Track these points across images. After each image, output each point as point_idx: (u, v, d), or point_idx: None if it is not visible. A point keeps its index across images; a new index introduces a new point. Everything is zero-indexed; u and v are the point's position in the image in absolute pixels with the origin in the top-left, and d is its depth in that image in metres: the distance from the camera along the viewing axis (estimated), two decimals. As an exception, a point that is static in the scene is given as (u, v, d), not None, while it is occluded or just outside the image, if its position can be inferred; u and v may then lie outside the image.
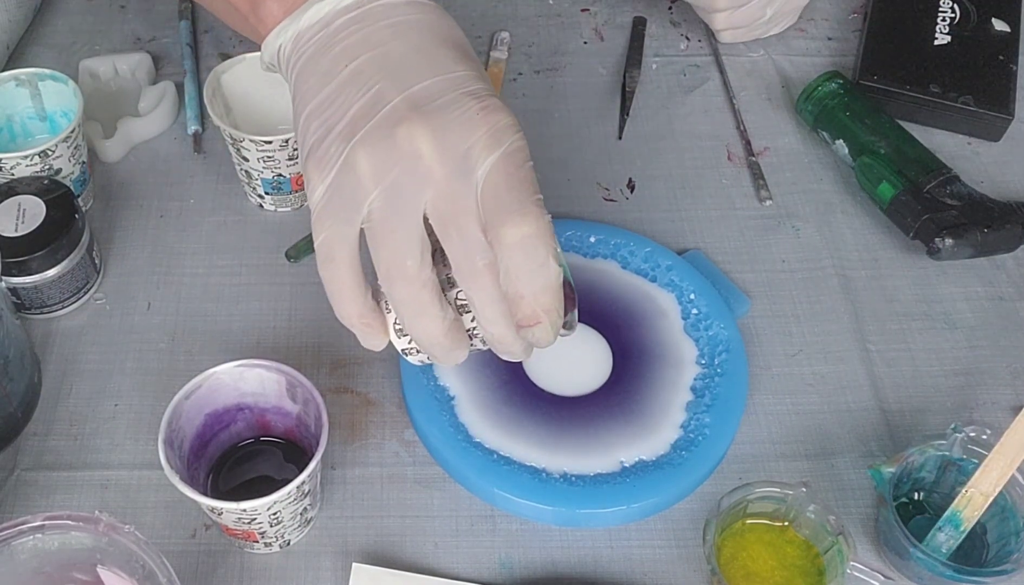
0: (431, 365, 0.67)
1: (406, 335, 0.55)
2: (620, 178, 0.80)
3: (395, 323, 0.55)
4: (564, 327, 0.54)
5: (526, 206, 0.50)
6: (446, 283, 0.53)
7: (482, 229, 0.50)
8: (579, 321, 0.69)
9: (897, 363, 0.71)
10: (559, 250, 0.52)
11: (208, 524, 0.62)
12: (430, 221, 0.51)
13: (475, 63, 0.54)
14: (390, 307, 0.55)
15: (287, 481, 0.56)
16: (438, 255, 0.52)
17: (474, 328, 0.54)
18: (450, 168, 0.50)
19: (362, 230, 0.52)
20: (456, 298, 0.53)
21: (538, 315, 0.51)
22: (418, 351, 0.56)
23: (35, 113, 0.77)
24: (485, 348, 0.55)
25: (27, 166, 0.71)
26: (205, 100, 0.73)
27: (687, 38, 0.91)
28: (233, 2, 0.60)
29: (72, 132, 0.72)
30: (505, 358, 0.55)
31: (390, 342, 0.56)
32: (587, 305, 0.70)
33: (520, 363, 0.67)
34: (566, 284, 0.55)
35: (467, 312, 0.54)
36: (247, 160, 0.73)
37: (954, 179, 0.76)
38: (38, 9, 0.90)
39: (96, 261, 0.72)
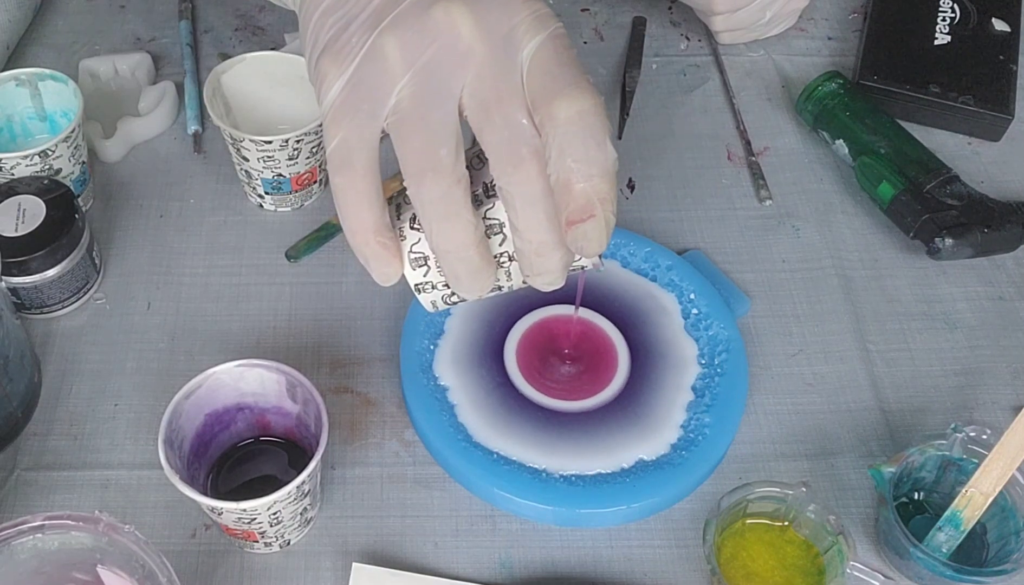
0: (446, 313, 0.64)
1: (423, 265, 0.50)
2: (620, 178, 0.80)
3: (411, 251, 0.50)
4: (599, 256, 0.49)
5: (581, 82, 0.45)
6: (477, 199, 0.48)
7: (528, 114, 0.45)
8: (593, 322, 0.69)
9: (897, 363, 0.71)
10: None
11: (208, 524, 0.62)
12: (466, 111, 0.46)
13: None
14: (404, 234, 0.50)
15: (287, 481, 0.56)
16: (469, 167, 0.48)
17: (502, 254, 0.49)
18: (492, 47, 0.46)
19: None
20: (486, 216, 0.49)
21: (592, 205, 0.45)
22: (433, 286, 0.51)
23: (35, 113, 0.77)
24: (510, 284, 0.51)
25: (27, 166, 0.71)
26: (205, 100, 0.73)
27: (687, 38, 0.91)
28: None
29: (72, 132, 0.72)
30: (537, 284, 0.49)
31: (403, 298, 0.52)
32: (593, 304, 0.70)
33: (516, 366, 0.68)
34: None
35: (495, 234, 0.49)
36: (247, 160, 0.73)
37: (954, 179, 0.76)
38: (38, 9, 0.90)
39: (96, 261, 0.72)
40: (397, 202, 0.52)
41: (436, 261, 0.50)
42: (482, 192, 0.49)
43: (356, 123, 0.47)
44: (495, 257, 0.49)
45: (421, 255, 0.51)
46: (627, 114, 0.84)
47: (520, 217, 0.47)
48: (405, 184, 0.48)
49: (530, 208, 0.46)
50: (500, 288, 0.51)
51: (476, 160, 0.50)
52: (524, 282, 0.51)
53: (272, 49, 0.83)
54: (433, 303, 0.53)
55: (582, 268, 0.51)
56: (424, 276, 0.51)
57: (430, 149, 0.46)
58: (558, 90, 0.45)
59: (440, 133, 0.46)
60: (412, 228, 0.51)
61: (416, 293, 0.52)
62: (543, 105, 0.45)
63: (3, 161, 0.71)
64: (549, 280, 0.49)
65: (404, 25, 0.46)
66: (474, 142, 0.48)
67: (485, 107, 0.46)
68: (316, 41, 0.49)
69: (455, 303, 0.53)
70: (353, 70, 0.47)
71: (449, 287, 0.51)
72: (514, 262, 0.50)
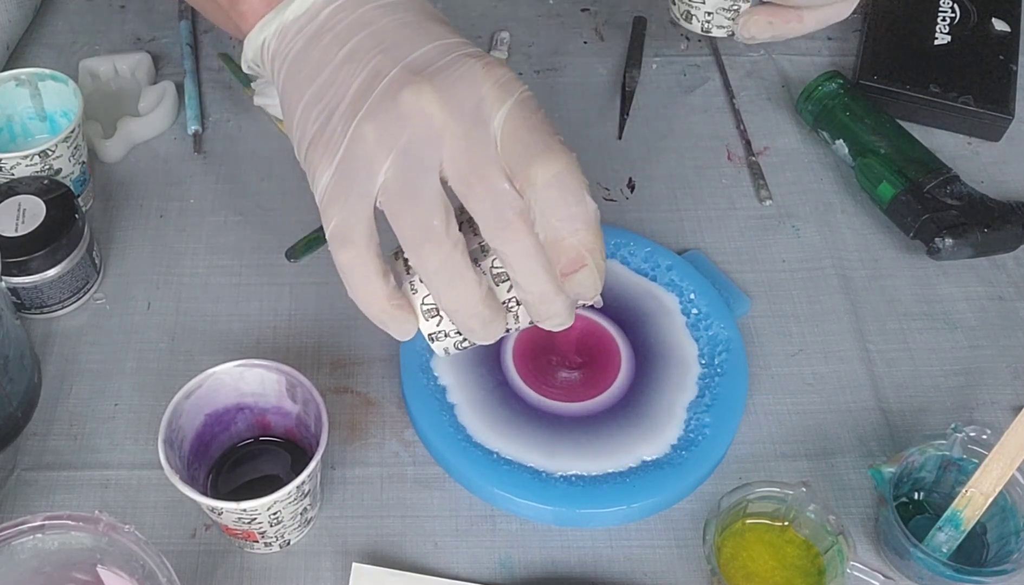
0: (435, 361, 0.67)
1: (435, 316, 0.53)
2: (620, 178, 0.80)
3: (423, 303, 0.53)
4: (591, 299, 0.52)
5: (552, 145, 0.48)
6: (478, 252, 0.51)
7: (507, 179, 0.48)
8: (594, 323, 0.70)
9: (897, 363, 0.71)
10: None
11: (208, 524, 0.62)
12: (450, 182, 0.49)
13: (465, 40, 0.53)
14: (415, 287, 0.53)
15: (287, 481, 0.56)
16: (464, 226, 0.51)
17: (510, 299, 0.52)
18: (463, 121, 0.49)
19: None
20: (491, 267, 0.51)
21: (582, 256, 0.48)
22: (446, 335, 0.54)
23: (35, 113, 0.77)
24: (518, 326, 0.53)
25: (27, 166, 0.71)
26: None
27: (687, 38, 0.91)
28: None
29: (72, 132, 0.72)
30: (547, 327, 0.52)
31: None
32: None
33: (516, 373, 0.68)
34: None
35: (503, 281, 0.51)
36: None
37: (954, 179, 0.76)
38: (38, 9, 0.90)
39: (96, 261, 0.72)
40: (404, 256, 0.54)
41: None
42: (487, 243, 0.51)
43: (350, 203, 0.50)
44: (503, 303, 0.52)
45: (433, 306, 0.53)
46: (627, 114, 0.84)
47: (518, 273, 0.49)
48: (407, 256, 0.50)
49: (526, 264, 0.49)
50: (508, 330, 0.53)
51: (469, 221, 0.52)
52: (531, 323, 0.53)
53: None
54: (446, 350, 0.55)
55: (582, 305, 0.53)
56: (437, 326, 0.53)
57: (422, 221, 0.49)
58: (533, 156, 0.48)
59: (429, 206, 0.49)
60: (422, 281, 0.53)
61: (429, 342, 0.55)
62: (520, 172, 0.48)
63: (3, 161, 0.71)
64: (557, 323, 0.52)
65: (379, 112, 0.49)
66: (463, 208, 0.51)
67: (466, 180, 0.49)
68: (304, 133, 0.52)
69: (466, 348, 0.55)
70: (340, 157, 0.50)
71: (461, 334, 0.54)
72: (521, 306, 0.52)
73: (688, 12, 0.66)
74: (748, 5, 0.65)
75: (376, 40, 0.52)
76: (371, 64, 0.51)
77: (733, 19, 0.65)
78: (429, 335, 0.54)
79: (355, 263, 0.51)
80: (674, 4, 0.67)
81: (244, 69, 0.59)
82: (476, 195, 0.49)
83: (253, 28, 0.56)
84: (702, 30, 0.67)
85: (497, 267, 0.51)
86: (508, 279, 0.52)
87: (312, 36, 0.53)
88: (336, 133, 0.50)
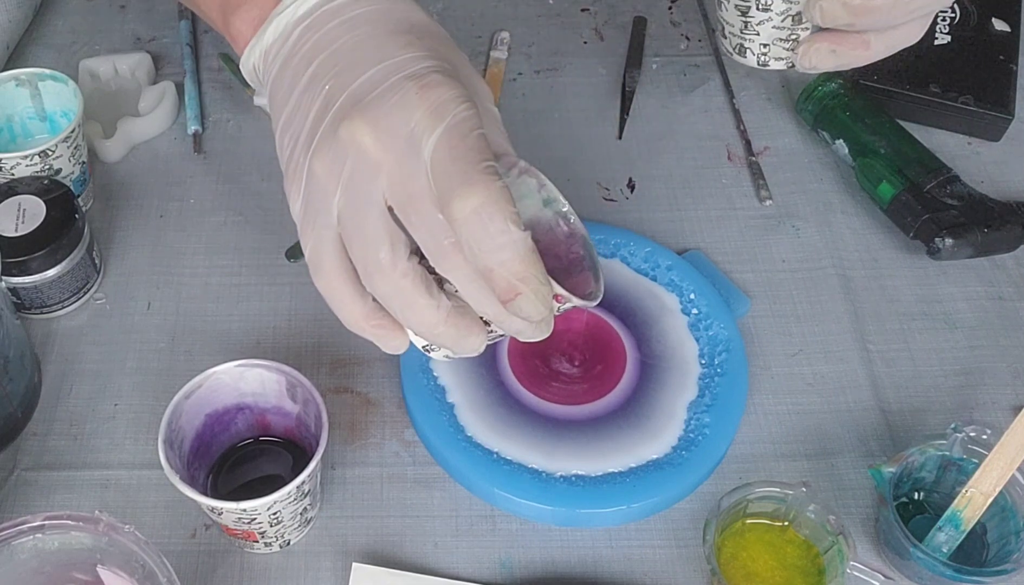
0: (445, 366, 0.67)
1: None
2: (620, 178, 0.80)
3: None
4: (588, 298, 0.51)
5: (471, 176, 0.47)
6: None
7: (439, 208, 0.48)
8: (597, 322, 0.69)
9: (897, 363, 0.71)
10: (559, 203, 0.51)
11: (208, 524, 0.62)
12: (394, 211, 0.50)
13: (430, 41, 0.52)
14: None
15: (287, 481, 0.56)
16: None
17: None
18: (396, 153, 0.49)
19: None
20: None
21: (514, 286, 0.48)
22: (440, 346, 0.54)
23: (35, 113, 0.77)
24: (503, 334, 0.53)
25: (27, 166, 0.71)
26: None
27: (687, 38, 0.91)
28: (212, 20, 0.59)
29: (72, 132, 0.72)
30: (523, 340, 0.52)
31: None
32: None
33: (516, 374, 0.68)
34: (587, 255, 0.53)
35: None
36: None
37: (954, 179, 0.76)
38: (38, 9, 0.90)
39: (96, 261, 0.72)
40: None
41: None
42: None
43: (316, 234, 0.51)
44: (483, 316, 0.51)
45: None
46: (627, 114, 0.84)
47: (467, 297, 0.50)
48: (364, 286, 0.51)
49: (471, 290, 0.49)
50: (503, 335, 0.53)
51: None
52: None
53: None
54: (446, 356, 0.55)
55: (572, 307, 0.52)
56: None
57: (370, 253, 0.50)
58: (452, 190, 0.47)
59: (374, 236, 0.49)
60: None
61: (426, 353, 0.55)
62: (444, 206, 0.48)
63: (3, 161, 0.71)
64: (528, 336, 0.51)
65: (324, 147, 0.50)
66: None
67: (403, 208, 0.49)
68: (281, 158, 0.54)
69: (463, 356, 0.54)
70: (303, 190, 0.52)
71: None
72: None
73: (741, 45, 0.61)
74: (808, 33, 0.59)
75: (333, 62, 0.52)
76: (325, 90, 0.51)
77: (792, 49, 0.59)
78: (423, 347, 0.55)
79: (329, 289, 0.52)
80: (725, 38, 0.62)
81: (257, 98, 0.60)
82: (413, 225, 0.49)
83: (243, 53, 0.57)
84: (758, 64, 0.61)
85: None
86: None
87: (285, 59, 0.54)
88: (300, 165, 0.52)
